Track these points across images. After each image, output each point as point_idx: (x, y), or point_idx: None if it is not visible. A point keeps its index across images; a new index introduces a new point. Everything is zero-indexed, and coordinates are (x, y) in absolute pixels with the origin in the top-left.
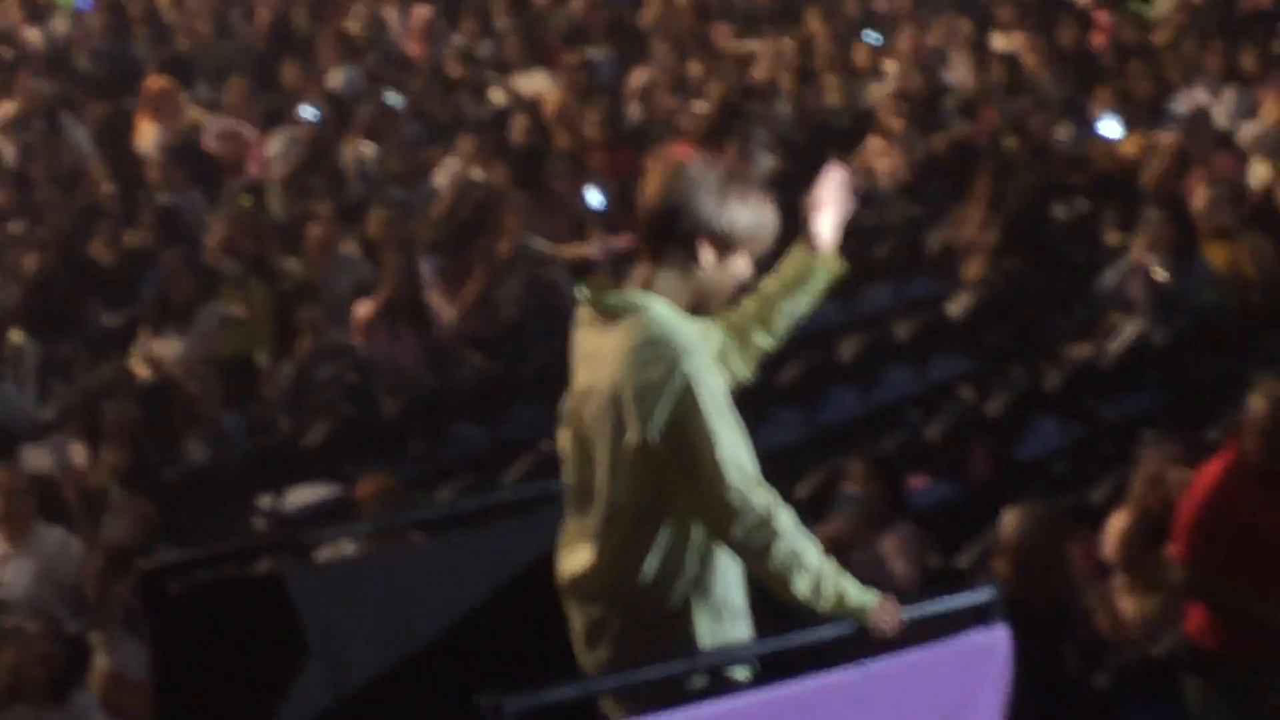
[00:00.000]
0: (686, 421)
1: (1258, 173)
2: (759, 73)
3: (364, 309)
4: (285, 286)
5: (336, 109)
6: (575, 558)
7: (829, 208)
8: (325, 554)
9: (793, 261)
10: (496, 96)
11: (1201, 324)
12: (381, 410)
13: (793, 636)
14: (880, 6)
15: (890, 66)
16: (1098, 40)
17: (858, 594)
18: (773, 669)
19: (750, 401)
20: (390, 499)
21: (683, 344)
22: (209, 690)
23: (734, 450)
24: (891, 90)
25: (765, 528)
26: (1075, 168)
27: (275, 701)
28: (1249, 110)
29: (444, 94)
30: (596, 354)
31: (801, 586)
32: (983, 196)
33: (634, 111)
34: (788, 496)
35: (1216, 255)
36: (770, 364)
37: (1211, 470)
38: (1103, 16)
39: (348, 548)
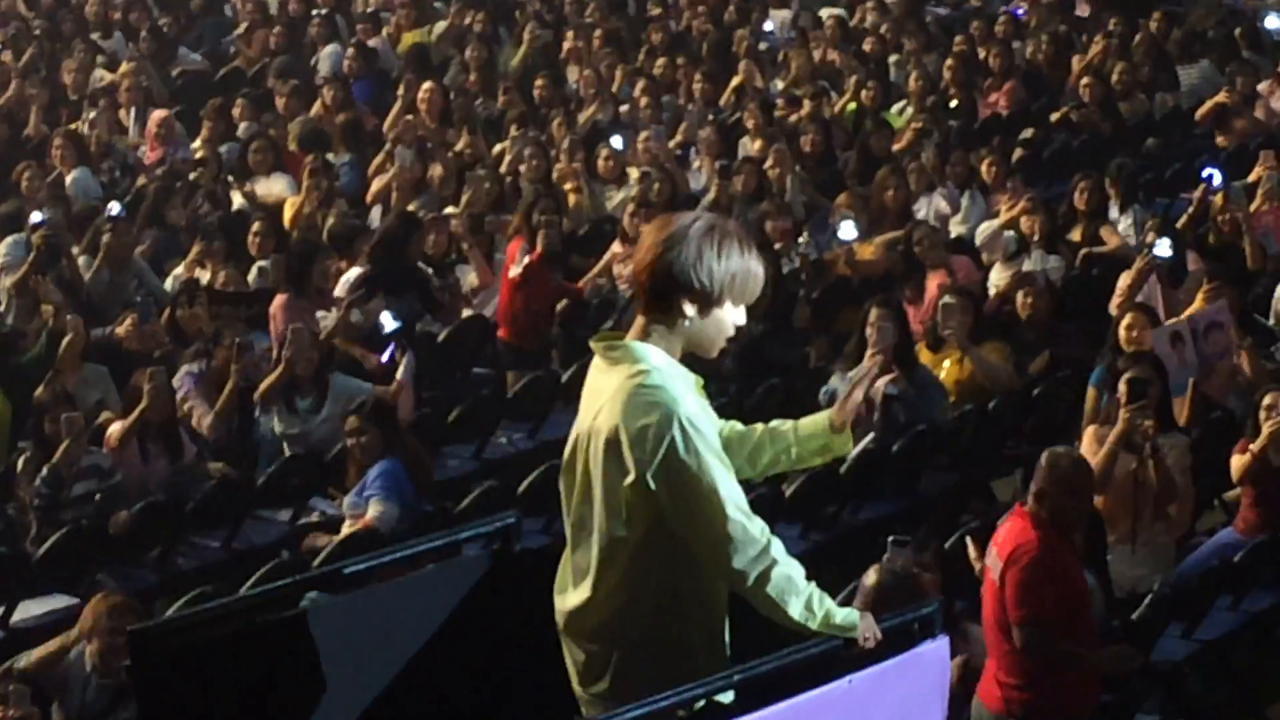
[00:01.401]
0: (682, 462)
1: (994, 277)
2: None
3: (115, 427)
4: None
5: (67, 213)
6: (572, 595)
7: (859, 392)
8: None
9: (812, 427)
10: (236, 200)
11: (934, 433)
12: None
13: (787, 655)
14: (625, 111)
15: (633, 171)
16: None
17: (843, 613)
18: (750, 692)
19: None
20: (118, 613)
21: (674, 392)
22: None
23: (729, 485)
24: (634, 195)
25: (764, 556)
26: (817, 274)
27: None
28: (986, 216)
29: (182, 198)
30: (598, 395)
31: (796, 609)
32: None
33: (375, 216)
34: None
35: (938, 366)
36: None
37: (1017, 535)
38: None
39: None
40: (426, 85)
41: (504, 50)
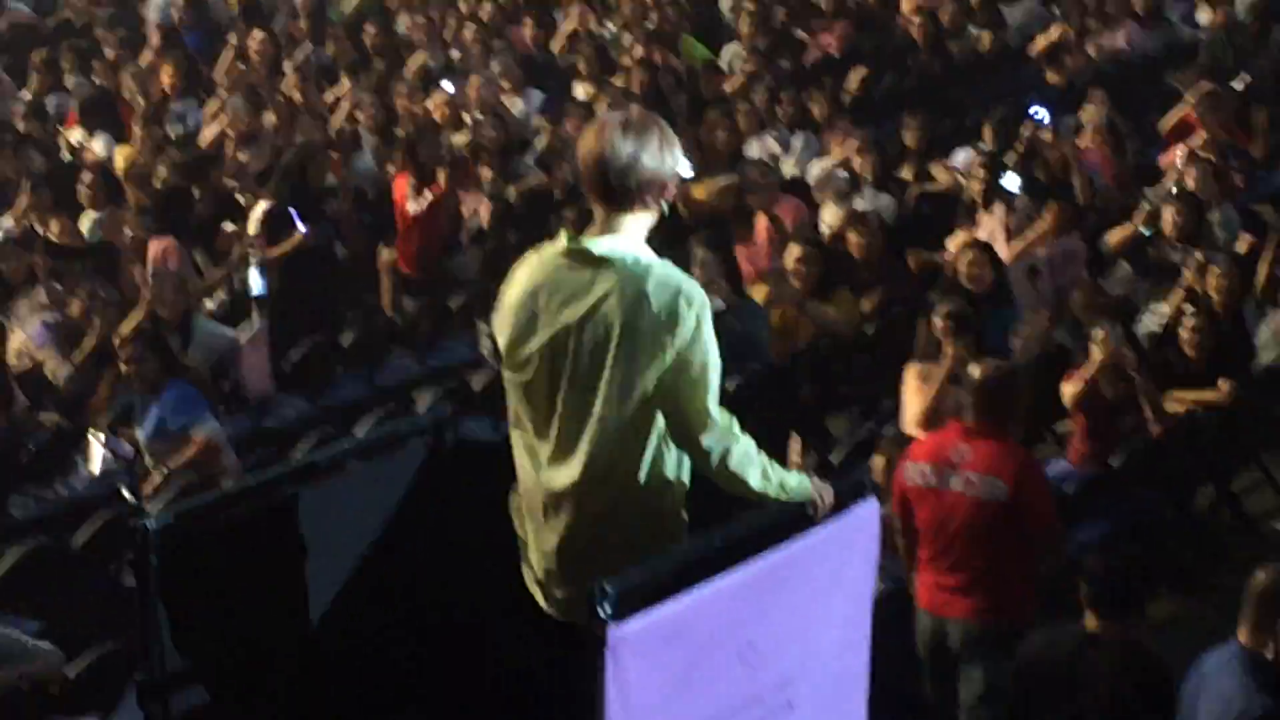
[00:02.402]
0: (705, 343)
1: (827, 216)
2: (336, 123)
3: None
4: None
5: None
6: (563, 473)
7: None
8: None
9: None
10: (66, 152)
11: (767, 372)
12: None
13: (737, 526)
14: (456, 56)
15: (465, 116)
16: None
17: (794, 479)
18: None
19: None
20: None
21: (691, 285)
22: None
23: (719, 374)
24: (466, 142)
25: (730, 434)
26: None
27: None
28: (817, 155)
29: (12, 149)
30: (581, 291)
31: (756, 480)
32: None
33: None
34: None
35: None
36: None
37: (1010, 453)
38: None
39: None
40: (257, 34)
41: None
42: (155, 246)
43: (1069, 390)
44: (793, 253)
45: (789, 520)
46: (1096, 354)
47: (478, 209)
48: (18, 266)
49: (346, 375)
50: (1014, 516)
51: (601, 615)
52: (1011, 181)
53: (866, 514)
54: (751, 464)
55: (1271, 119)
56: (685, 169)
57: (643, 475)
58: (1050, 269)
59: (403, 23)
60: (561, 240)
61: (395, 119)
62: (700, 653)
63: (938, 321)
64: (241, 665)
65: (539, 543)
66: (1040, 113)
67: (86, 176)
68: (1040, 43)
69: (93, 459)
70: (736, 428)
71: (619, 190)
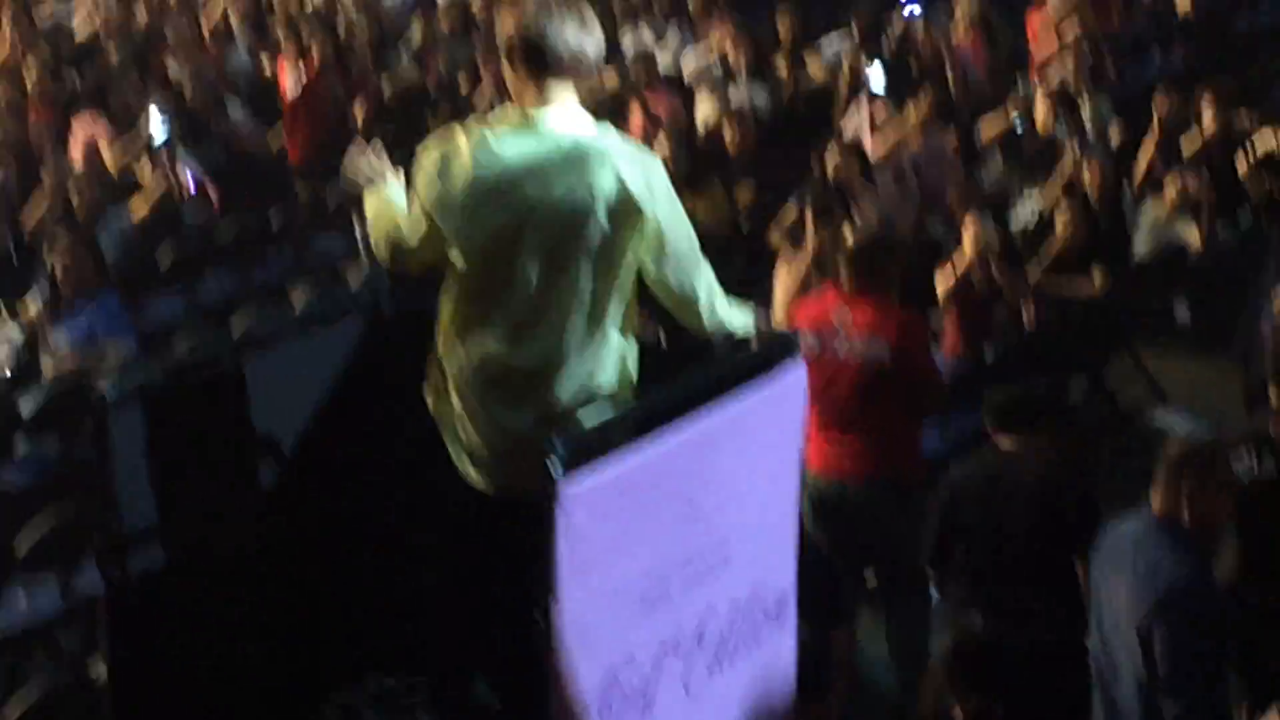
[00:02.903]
0: (678, 207)
1: (703, 110)
2: (212, 18)
3: None
4: None
5: None
6: (536, 347)
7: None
8: None
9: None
10: None
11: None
12: None
13: (688, 381)
14: None
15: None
16: None
17: (742, 319)
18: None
19: None
20: None
21: (649, 151)
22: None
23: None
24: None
25: (714, 283)
26: None
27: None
28: (691, 46)
29: None
30: (548, 167)
31: (739, 324)
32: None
33: None
34: None
35: None
36: None
37: (895, 314)
38: None
39: None
40: None
41: None
42: (83, 128)
43: (940, 283)
44: (663, 147)
45: (720, 380)
46: (967, 247)
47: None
48: None
49: (219, 269)
50: (898, 375)
51: (553, 471)
52: (876, 77)
53: (794, 376)
54: (730, 309)
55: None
56: (600, 48)
57: (612, 350)
58: (915, 168)
59: None
60: (508, 117)
61: (268, 11)
62: (644, 508)
63: (807, 212)
64: (195, 529)
65: (497, 419)
66: (913, 8)
67: None
68: None
69: None
70: (710, 280)
71: (555, 63)
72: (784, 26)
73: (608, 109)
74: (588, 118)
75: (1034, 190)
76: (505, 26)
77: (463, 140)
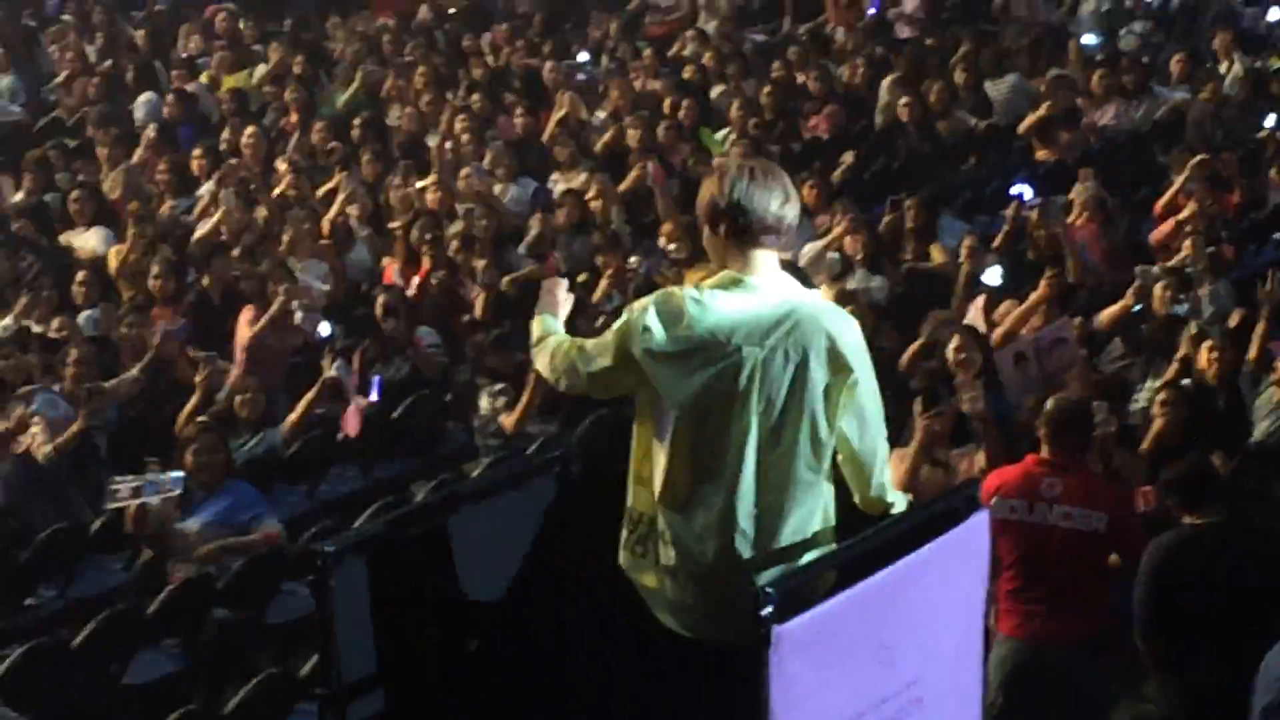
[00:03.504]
0: (871, 374)
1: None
2: (330, 216)
3: None
4: None
5: None
6: (750, 499)
7: None
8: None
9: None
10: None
11: None
12: None
13: (864, 538)
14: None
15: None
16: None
17: (900, 497)
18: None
19: None
20: None
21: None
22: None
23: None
24: (460, 230)
25: (886, 465)
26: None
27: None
28: (810, 238)
29: (7, 250)
30: (758, 327)
31: (900, 503)
32: None
33: None
34: None
35: None
36: None
37: (1103, 484)
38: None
39: None
40: (249, 129)
41: (325, 91)
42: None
43: None
44: None
45: (912, 531)
46: None
47: (473, 299)
48: (14, 365)
49: (341, 466)
50: (1109, 544)
51: (765, 615)
52: (993, 275)
53: (978, 524)
54: (891, 490)
55: (1254, 192)
56: (797, 214)
57: (819, 499)
58: (1037, 353)
59: (394, 115)
60: (723, 276)
61: (388, 212)
62: (845, 651)
63: (918, 399)
64: (408, 676)
65: (713, 567)
66: (1025, 191)
67: (80, 274)
68: (1029, 120)
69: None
70: (887, 451)
71: (765, 231)
72: (909, 215)
73: None
74: (794, 280)
75: (1155, 375)
76: (707, 193)
77: (676, 294)
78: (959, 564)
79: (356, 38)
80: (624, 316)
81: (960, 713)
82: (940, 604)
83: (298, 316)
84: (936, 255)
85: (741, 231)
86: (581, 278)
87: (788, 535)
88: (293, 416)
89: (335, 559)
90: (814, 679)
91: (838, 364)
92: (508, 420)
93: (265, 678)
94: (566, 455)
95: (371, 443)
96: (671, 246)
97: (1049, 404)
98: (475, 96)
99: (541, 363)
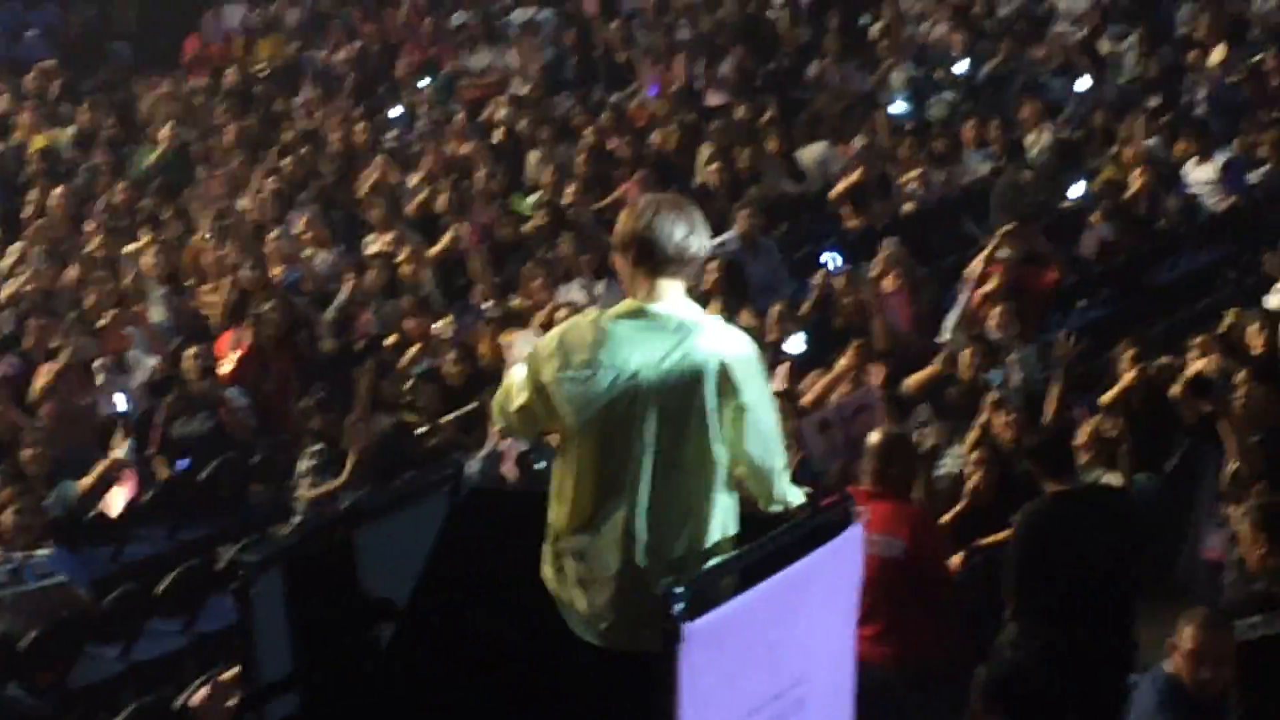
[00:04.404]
0: (766, 389)
1: None
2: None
3: None
4: None
5: None
6: (643, 514)
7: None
8: None
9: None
10: None
11: None
12: None
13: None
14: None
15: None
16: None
17: (798, 496)
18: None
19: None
20: None
21: (746, 337)
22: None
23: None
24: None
25: (785, 470)
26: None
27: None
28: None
29: None
30: (650, 350)
31: (793, 496)
32: (362, 397)
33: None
34: None
35: None
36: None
37: (907, 516)
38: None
39: None
40: (58, 190)
41: (135, 151)
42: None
43: None
44: None
45: (801, 539)
46: None
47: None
48: None
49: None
50: (911, 571)
51: (676, 614)
52: (795, 344)
53: (854, 537)
54: (791, 488)
55: (1067, 256)
56: (707, 246)
57: (719, 509)
58: (842, 420)
59: (201, 175)
60: (624, 305)
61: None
62: (745, 650)
63: None
64: (322, 677)
65: (619, 578)
66: (834, 259)
67: None
68: (840, 187)
69: None
70: (785, 459)
71: (669, 261)
72: (710, 281)
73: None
74: (693, 305)
75: (960, 440)
76: (621, 224)
77: (580, 324)
78: (837, 572)
79: (167, 99)
80: (532, 349)
81: (835, 714)
82: (821, 609)
83: (99, 378)
84: (745, 319)
85: (646, 260)
86: (391, 340)
87: (686, 547)
88: (85, 481)
89: (256, 569)
90: (719, 675)
91: (728, 385)
92: (312, 493)
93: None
94: (456, 473)
95: (178, 504)
96: (487, 305)
97: (873, 436)
98: (286, 160)
99: (498, 415)
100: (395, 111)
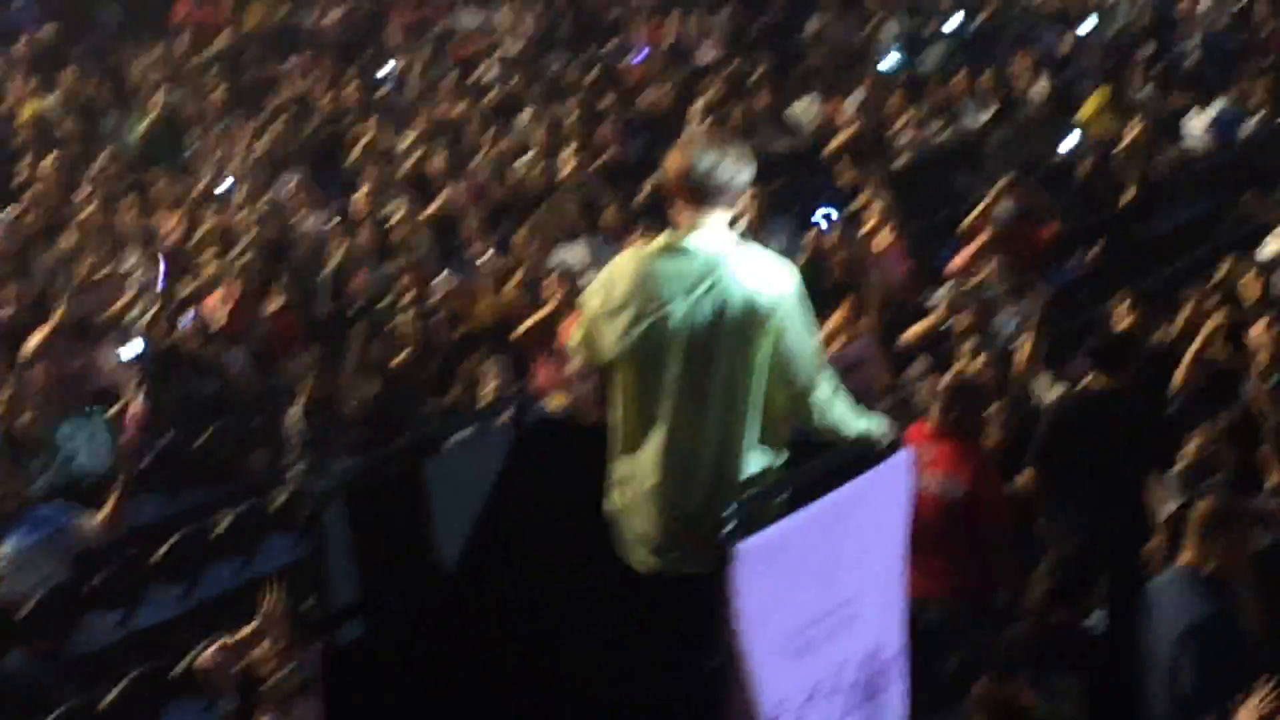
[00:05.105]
0: (800, 314)
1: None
2: None
3: None
4: None
5: None
6: (692, 438)
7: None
8: None
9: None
10: None
11: None
12: None
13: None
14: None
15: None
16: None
17: (872, 422)
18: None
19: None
20: None
21: (782, 261)
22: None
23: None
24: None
25: (832, 392)
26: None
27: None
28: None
29: None
30: (686, 282)
31: (851, 429)
32: (354, 357)
33: None
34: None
35: None
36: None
37: (969, 456)
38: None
39: None
40: (49, 156)
41: (125, 117)
42: None
43: None
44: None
45: (845, 464)
46: None
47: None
48: None
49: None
50: (970, 512)
51: (728, 534)
52: None
53: (903, 461)
54: (846, 415)
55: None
56: (751, 178)
57: (759, 435)
58: (845, 368)
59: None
60: (661, 239)
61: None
62: (794, 570)
63: None
64: (392, 602)
65: (655, 510)
66: (830, 214)
67: None
68: (835, 142)
69: None
70: (831, 385)
71: (703, 192)
72: None
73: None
74: (730, 237)
75: None
76: (668, 163)
77: (618, 261)
78: (885, 496)
79: (157, 64)
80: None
81: (887, 633)
82: (871, 531)
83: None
84: None
85: (684, 192)
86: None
87: (722, 473)
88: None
89: (325, 498)
90: (770, 593)
91: (758, 314)
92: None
93: None
94: (522, 402)
95: (175, 470)
96: (483, 259)
97: (946, 376)
98: (276, 122)
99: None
100: (385, 72)
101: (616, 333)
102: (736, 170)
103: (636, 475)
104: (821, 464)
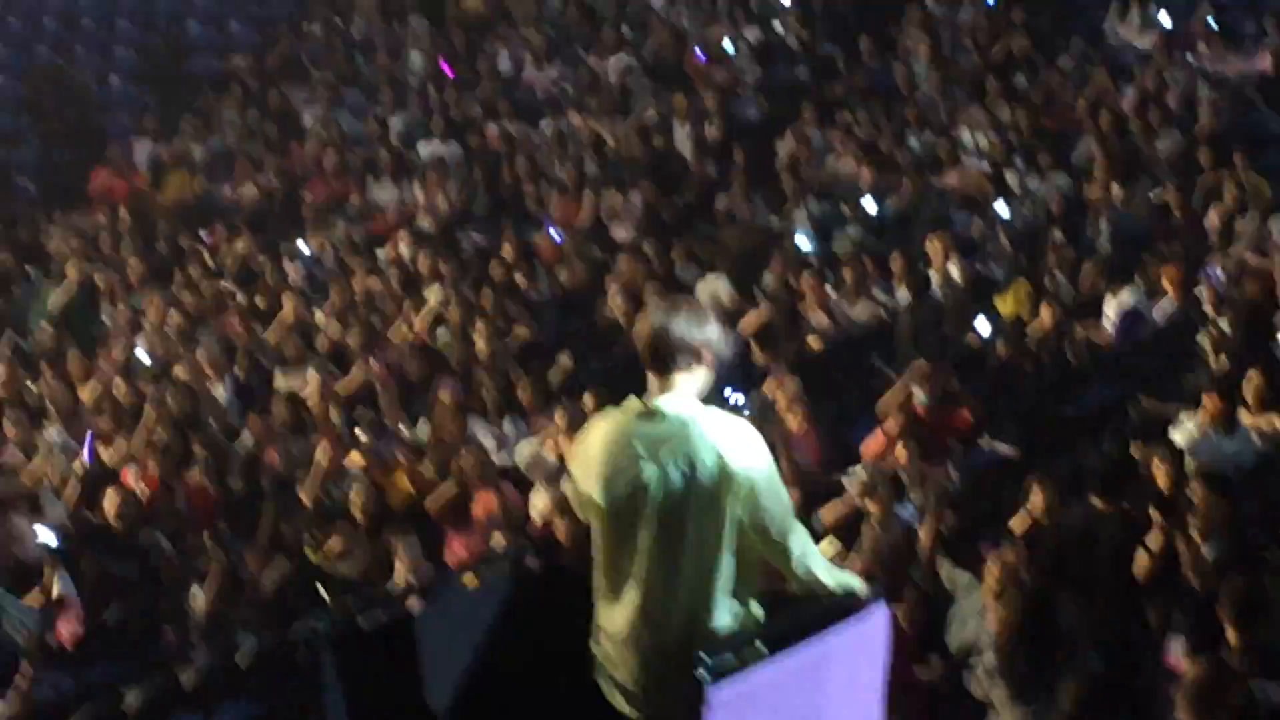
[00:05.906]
0: (771, 473)
1: (537, 503)
2: None
3: None
4: None
5: None
6: (664, 599)
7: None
8: None
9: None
10: None
11: None
12: None
13: (797, 616)
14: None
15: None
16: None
17: (847, 577)
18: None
19: None
20: None
21: (747, 425)
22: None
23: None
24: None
25: (809, 545)
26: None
27: None
28: (527, 438)
29: None
30: (656, 445)
31: (830, 581)
32: (263, 535)
33: None
34: None
35: None
36: None
37: None
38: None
39: None
40: None
41: (42, 288)
42: None
43: None
44: (501, 541)
45: (821, 616)
46: None
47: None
48: None
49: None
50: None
51: (704, 680)
52: None
53: (881, 615)
54: (823, 569)
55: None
56: (718, 335)
57: (731, 595)
58: None
59: (106, 314)
60: (632, 403)
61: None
62: (770, 717)
63: None
64: None
65: (633, 660)
66: (736, 397)
67: None
68: (748, 324)
69: None
70: (805, 541)
71: (663, 354)
72: None
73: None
74: (696, 402)
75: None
76: (638, 329)
77: (597, 423)
78: (863, 649)
79: (73, 235)
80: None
81: None
82: (847, 684)
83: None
84: None
85: (652, 358)
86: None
87: (699, 623)
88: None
89: (325, 640)
90: None
91: (728, 474)
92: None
93: None
94: (520, 552)
95: (84, 645)
96: (405, 434)
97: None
98: (186, 296)
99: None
100: (302, 246)
101: (589, 496)
102: (689, 328)
103: (614, 626)
104: (798, 615)
